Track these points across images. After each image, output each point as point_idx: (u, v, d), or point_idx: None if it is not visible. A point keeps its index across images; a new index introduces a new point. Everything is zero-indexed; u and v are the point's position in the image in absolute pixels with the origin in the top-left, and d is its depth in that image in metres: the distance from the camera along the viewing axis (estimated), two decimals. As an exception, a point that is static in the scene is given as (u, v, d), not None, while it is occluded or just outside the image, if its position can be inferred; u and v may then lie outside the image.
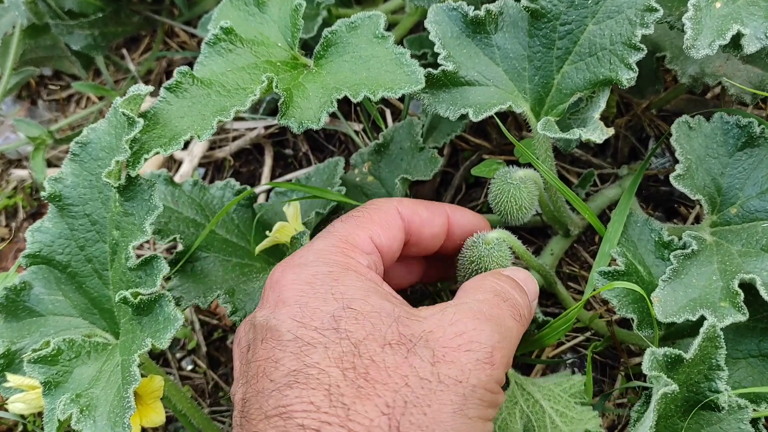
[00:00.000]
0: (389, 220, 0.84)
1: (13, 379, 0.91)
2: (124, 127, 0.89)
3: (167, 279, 1.05)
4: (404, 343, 0.69)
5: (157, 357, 1.28)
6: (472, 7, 0.94)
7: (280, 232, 1.01)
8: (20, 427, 1.23)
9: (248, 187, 1.15)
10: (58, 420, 0.84)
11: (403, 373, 0.67)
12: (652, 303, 0.87)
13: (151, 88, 0.92)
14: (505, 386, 0.87)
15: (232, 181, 1.15)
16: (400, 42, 1.32)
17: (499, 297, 0.78)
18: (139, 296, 0.85)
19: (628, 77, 0.87)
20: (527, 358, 1.09)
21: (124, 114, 0.88)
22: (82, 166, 0.94)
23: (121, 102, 0.89)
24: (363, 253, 0.80)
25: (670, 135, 0.97)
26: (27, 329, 0.98)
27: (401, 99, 1.34)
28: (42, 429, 1.16)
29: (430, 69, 0.92)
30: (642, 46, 0.85)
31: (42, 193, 0.94)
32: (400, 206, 0.86)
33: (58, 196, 0.94)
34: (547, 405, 0.84)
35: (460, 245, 0.92)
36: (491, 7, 0.94)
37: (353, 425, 0.64)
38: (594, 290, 0.92)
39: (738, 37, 0.85)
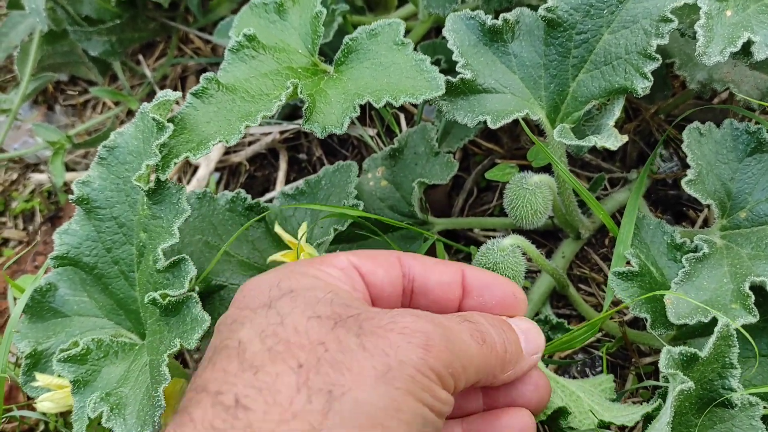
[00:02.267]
0: (380, 256, 0.80)
1: (42, 379, 0.94)
2: (152, 131, 0.92)
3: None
4: (333, 318, 0.67)
5: (175, 357, 1.30)
6: (490, 16, 0.97)
7: (286, 256, 1.02)
8: (42, 426, 1.25)
9: (260, 201, 1.12)
10: (88, 417, 0.87)
11: (324, 339, 0.65)
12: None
13: (179, 93, 0.95)
14: None
15: (243, 193, 1.11)
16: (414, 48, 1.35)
17: (461, 317, 0.74)
18: (168, 298, 0.87)
19: (643, 86, 0.89)
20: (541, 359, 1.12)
21: (153, 119, 0.90)
22: (109, 169, 0.96)
23: (151, 107, 0.91)
24: (335, 267, 0.76)
25: (677, 139, 1.00)
26: (52, 330, 1.00)
27: (414, 104, 1.36)
28: (65, 427, 1.19)
29: (448, 77, 0.95)
30: (657, 56, 0.88)
31: (70, 196, 0.96)
32: (402, 256, 0.81)
33: (85, 199, 0.96)
34: (584, 396, 0.87)
35: (481, 303, 0.82)
36: (508, 16, 0.96)
37: (260, 383, 0.63)
38: (616, 303, 0.94)
39: (748, 44, 0.87)
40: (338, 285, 0.73)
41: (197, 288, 1.04)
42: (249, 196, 1.10)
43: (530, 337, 0.80)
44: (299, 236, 0.99)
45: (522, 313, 0.83)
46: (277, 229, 1.02)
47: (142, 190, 0.91)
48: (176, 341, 0.85)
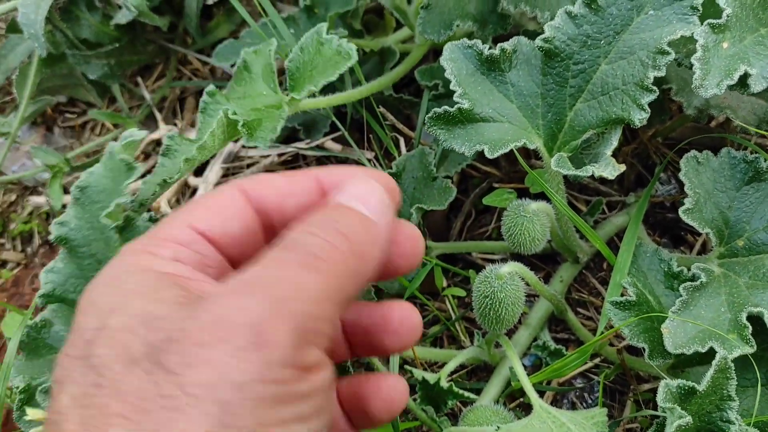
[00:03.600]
0: (223, 200, 0.65)
1: (31, 413, 0.94)
2: (121, 170, 0.95)
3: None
4: (150, 354, 0.52)
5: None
6: (487, 46, 0.97)
7: None
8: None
9: None
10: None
11: (143, 396, 0.50)
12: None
13: (145, 133, 1.00)
14: (528, 412, 0.89)
15: None
16: (410, 72, 1.36)
17: (281, 249, 0.57)
18: None
19: (639, 117, 0.90)
20: (538, 385, 1.12)
21: (122, 159, 0.93)
22: (83, 208, 0.99)
23: (118, 147, 0.95)
24: (171, 244, 0.61)
25: (675, 162, 1.00)
26: (47, 366, 1.01)
27: (413, 128, 1.37)
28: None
29: (446, 107, 0.95)
30: (654, 88, 0.88)
31: (50, 237, 1.00)
32: (242, 183, 0.66)
33: (64, 239, 0.99)
34: (575, 428, 0.87)
35: None
36: (505, 45, 0.97)
37: None
38: (611, 326, 0.94)
39: (745, 76, 0.87)
40: (161, 278, 0.58)
41: None
42: None
43: (370, 201, 0.63)
44: None
45: (395, 199, 0.67)
46: None
47: (112, 227, 0.94)
48: None
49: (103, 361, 0.53)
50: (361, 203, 0.62)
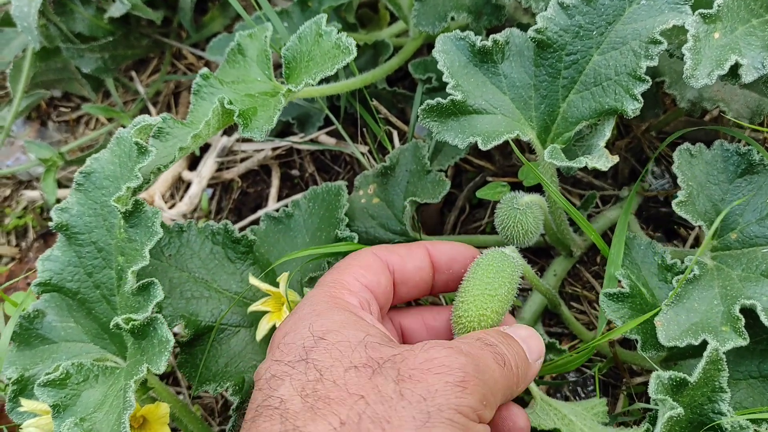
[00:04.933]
0: (369, 261, 0.86)
1: (26, 404, 0.93)
2: (130, 155, 0.94)
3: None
4: (370, 365, 0.69)
5: (168, 376, 1.30)
6: (479, 37, 0.97)
7: (267, 304, 1.01)
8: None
9: (246, 235, 1.09)
10: (64, 442, 0.86)
11: (363, 392, 0.67)
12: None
13: (158, 118, 0.97)
14: (525, 405, 0.89)
15: (229, 225, 1.09)
16: (404, 66, 1.36)
17: (480, 341, 0.78)
18: (132, 321, 0.87)
19: (633, 108, 0.89)
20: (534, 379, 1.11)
21: (136, 143, 0.91)
22: (86, 195, 0.97)
23: (133, 131, 0.93)
24: (351, 291, 0.82)
25: (669, 156, 1.00)
26: (40, 356, 1.00)
27: (407, 122, 1.36)
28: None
29: (438, 98, 0.95)
30: (647, 77, 0.88)
31: (50, 223, 0.97)
32: (375, 250, 0.89)
33: (65, 226, 0.97)
34: (576, 419, 0.87)
35: (452, 276, 0.92)
36: (498, 36, 0.96)
37: None
38: (609, 323, 0.95)
39: (736, 67, 0.87)
40: (363, 319, 0.77)
41: (187, 331, 1.04)
42: (235, 229, 1.09)
43: (532, 345, 0.83)
44: (280, 286, 0.98)
45: None
46: (252, 280, 1.01)
47: (120, 212, 0.91)
48: (144, 366, 0.85)
49: (324, 365, 0.70)
50: (526, 345, 0.82)
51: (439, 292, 0.93)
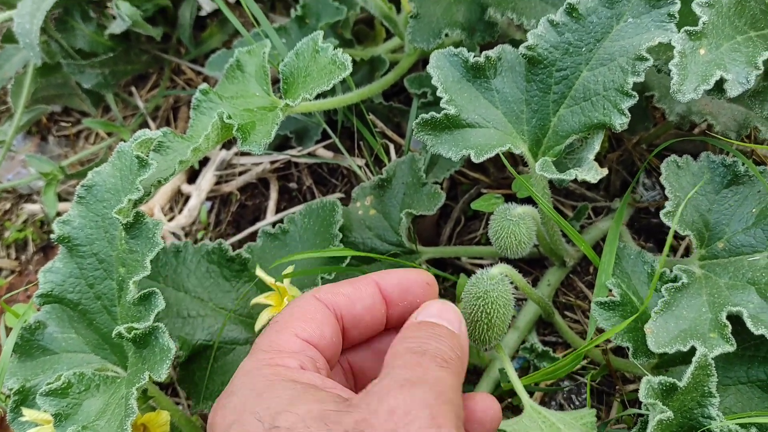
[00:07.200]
0: (310, 312, 0.78)
1: (28, 414, 0.95)
2: (131, 168, 0.96)
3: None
4: None
5: (167, 387, 1.31)
6: (473, 54, 1.00)
7: (270, 298, 1.03)
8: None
9: (241, 253, 1.12)
10: (66, 451, 0.88)
11: None
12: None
13: (159, 132, 1.00)
14: (517, 414, 0.91)
15: (224, 244, 1.12)
16: (400, 81, 1.38)
17: (415, 354, 0.72)
18: (133, 330, 0.89)
19: (620, 122, 0.92)
20: (526, 387, 1.13)
21: (137, 156, 0.94)
22: (88, 207, 0.99)
23: (134, 145, 0.95)
24: (291, 354, 0.74)
25: (659, 168, 1.03)
26: (41, 367, 1.02)
27: (402, 136, 1.39)
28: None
29: (433, 113, 0.97)
30: (634, 93, 0.91)
31: (52, 235, 0.99)
32: (318, 294, 0.80)
33: (66, 238, 0.99)
34: (564, 428, 0.88)
35: (407, 308, 0.83)
36: (490, 53, 0.99)
37: None
38: (600, 330, 0.97)
39: (721, 82, 0.90)
40: (312, 386, 0.70)
41: (182, 352, 1.06)
42: (229, 247, 1.12)
43: (448, 317, 0.78)
44: (284, 281, 1.00)
45: (435, 293, 0.83)
46: (259, 272, 1.03)
47: (121, 223, 0.94)
48: (146, 374, 0.87)
49: None
50: (444, 320, 0.77)
51: (395, 326, 0.83)
